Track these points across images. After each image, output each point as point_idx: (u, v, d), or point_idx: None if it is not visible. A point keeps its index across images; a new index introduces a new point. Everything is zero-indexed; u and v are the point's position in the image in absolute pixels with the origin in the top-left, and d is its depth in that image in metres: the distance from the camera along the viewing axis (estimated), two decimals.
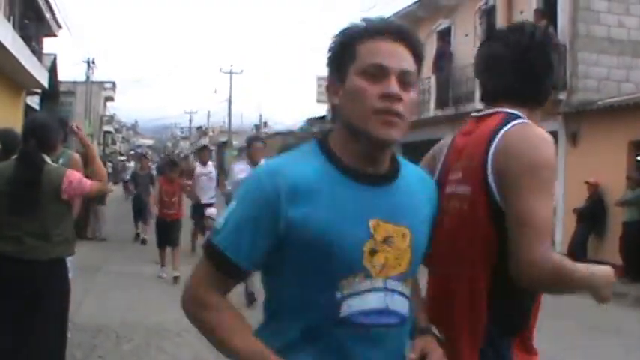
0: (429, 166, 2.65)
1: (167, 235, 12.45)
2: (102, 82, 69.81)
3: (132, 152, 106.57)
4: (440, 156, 2.63)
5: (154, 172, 20.13)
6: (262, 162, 9.49)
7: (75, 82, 54.57)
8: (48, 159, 4.95)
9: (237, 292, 11.17)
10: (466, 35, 23.42)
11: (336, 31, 2.07)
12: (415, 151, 20.31)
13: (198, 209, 14.89)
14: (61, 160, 7.11)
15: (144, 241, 17.27)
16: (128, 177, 28.59)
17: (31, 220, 4.74)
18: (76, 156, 7.51)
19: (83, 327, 8.10)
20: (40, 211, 4.75)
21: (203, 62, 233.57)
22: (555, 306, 11.64)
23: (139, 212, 18.00)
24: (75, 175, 4.92)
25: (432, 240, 2.19)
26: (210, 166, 15.69)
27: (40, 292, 4.73)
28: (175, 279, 11.57)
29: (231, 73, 65.00)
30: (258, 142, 10.35)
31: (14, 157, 4.92)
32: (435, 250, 2.23)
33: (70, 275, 5.47)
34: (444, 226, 2.32)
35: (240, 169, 9.74)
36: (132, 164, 25.23)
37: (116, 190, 28.54)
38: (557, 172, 17.45)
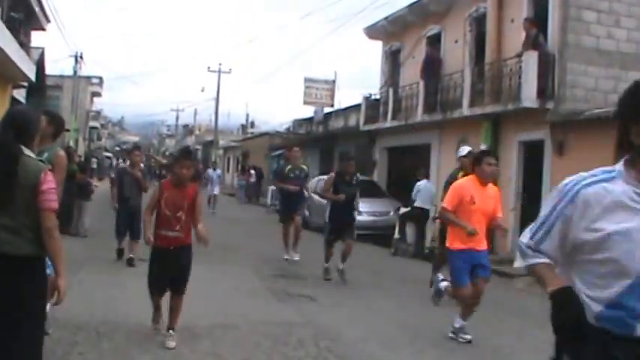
0: None
1: (168, 272, 7.88)
2: (89, 77, 69.63)
3: (117, 148, 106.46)
4: None
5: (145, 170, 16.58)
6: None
7: (62, 77, 54.50)
8: (28, 151, 4.84)
9: None
10: (456, 41, 23.50)
11: None
12: (402, 156, 20.27)
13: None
14: (45, 154, 7.06)
15: (130, 262, 13.35)
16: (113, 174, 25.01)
17: (3, 213, 4.66)
18: (61, 152, 7.45)
19: (64, 323, 8.04)
20: (13, 204, 4.66)
21: (191, 60, 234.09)
22: (542, 315, 11.67)
23: (127, 223, 13.93)
24: (50, 184, 4.78)
25: None
26: None
27: (17, 289, 4.66)
28: (169, 341, 7.72)
29: (219, 72, 64.92)
30: None
31: None
32: None
33: (48, 272, 5.42)
34: None
35: None
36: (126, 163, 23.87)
37: (100, 186, 28.36)
38: (543, 182, 17.48)
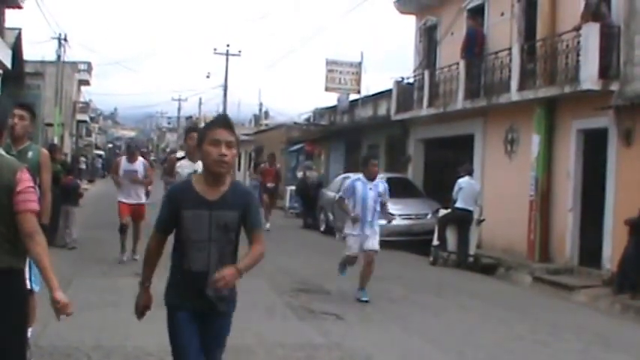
0: None
1: None
2: (75, 63, 69.89)
3: (110, 145, 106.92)
4: None
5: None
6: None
7: (44, 62, 54.55)
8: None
9: None
10: (502, 14, 23.34)
11: None
12: (440, 149, 20.18)
13: None
14: (29, 154, 7.14)
15: None
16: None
17: None
18: (44, 151, 7.58)
19: (50, 351, 8.07)
20: None
21: (195, 41, 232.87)
22: (609, 334, 11.62)
23: None
24: (27, 183, 4.71)
25: None
26: None
27: None
28: None
29: (227, 54, 65.05)
30: None
31: None
32: None
33: (36, 289, 5.41)
34: None
35: None
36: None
37: (91, 190, 28.50)
38: (607, 177, 17.30)
